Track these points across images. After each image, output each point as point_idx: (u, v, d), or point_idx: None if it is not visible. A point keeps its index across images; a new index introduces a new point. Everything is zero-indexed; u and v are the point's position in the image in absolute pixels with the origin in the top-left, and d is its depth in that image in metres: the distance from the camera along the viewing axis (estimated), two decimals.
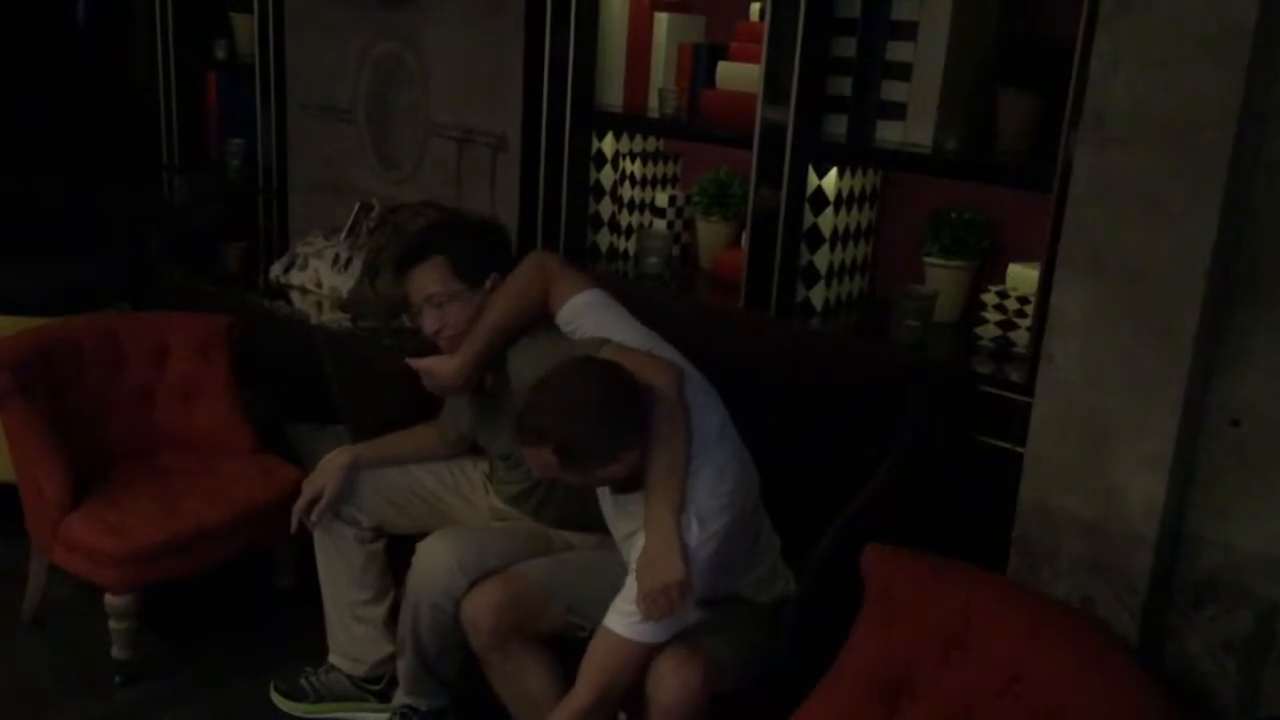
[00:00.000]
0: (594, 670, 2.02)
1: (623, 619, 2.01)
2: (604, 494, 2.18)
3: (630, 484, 2.08)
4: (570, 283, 2.29)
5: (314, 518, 2.48)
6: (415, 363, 2.37)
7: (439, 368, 2.35)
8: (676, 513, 2.00)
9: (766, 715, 2.04)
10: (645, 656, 2.02)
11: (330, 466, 2.49)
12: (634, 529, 2.07)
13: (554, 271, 2.31)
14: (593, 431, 1.97)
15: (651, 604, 1.96)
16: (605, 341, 2.15)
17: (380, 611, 2.56)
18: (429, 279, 2.33)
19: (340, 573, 2.55)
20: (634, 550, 2.04)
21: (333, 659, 2.62)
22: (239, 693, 2.70)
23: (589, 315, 2.24)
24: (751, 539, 2.18)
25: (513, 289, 2.32)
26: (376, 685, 2.60)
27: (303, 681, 2.63)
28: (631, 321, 2.25)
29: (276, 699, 2.65)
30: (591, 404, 1.96)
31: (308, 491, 2.50)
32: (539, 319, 2.31)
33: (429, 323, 2.35)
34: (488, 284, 2.35)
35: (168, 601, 2.88)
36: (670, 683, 2.00)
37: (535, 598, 2.20)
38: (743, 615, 2.19)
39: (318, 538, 2.55)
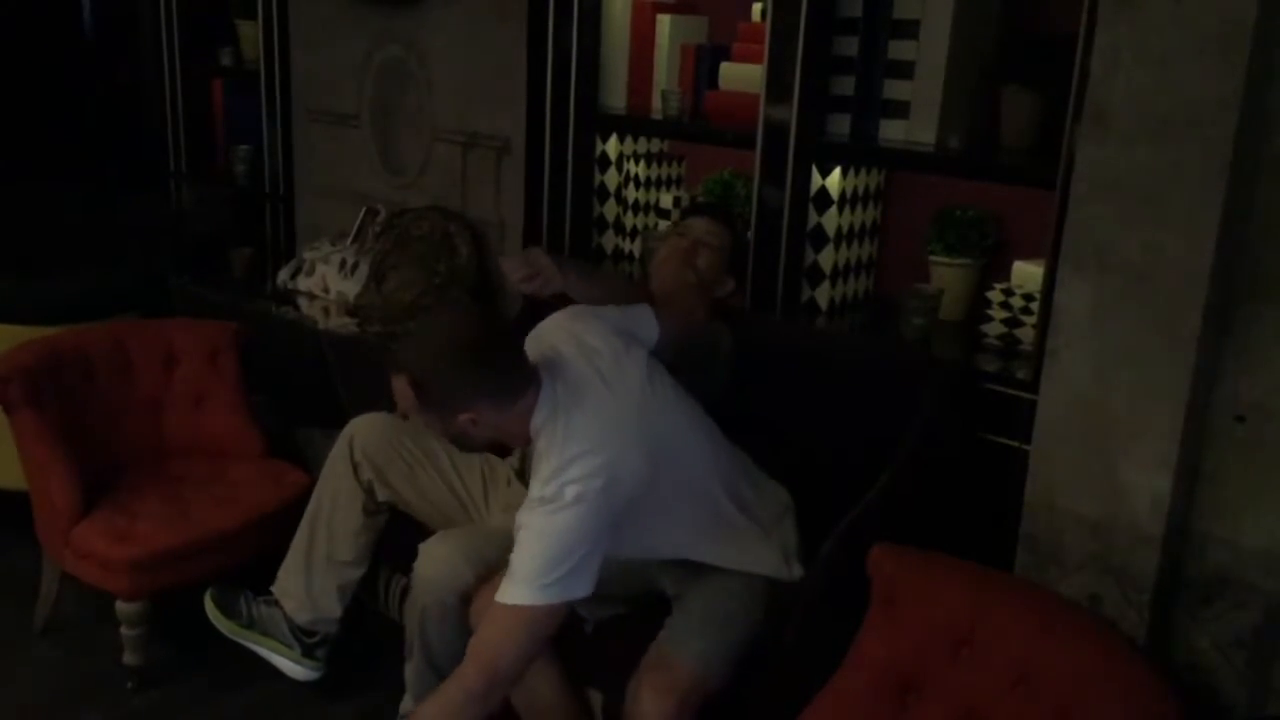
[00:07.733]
0: (479, 644, 1.96)
1: (503, 589, 1.94)
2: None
3: (506, 448, 2.06)
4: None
5: (525, 285, 2.35)
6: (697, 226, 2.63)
7: (680, 256, 2.58)
8: None
9: (771, 714, 2.04)
10: (532, 624, 1.94)
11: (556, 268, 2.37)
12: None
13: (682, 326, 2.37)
14: (444, 374, 1.95)
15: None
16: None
17: (352, 576, 2.58)
18: (721, 235, 2.63)
19: (333, 524, 2.57)
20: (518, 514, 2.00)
21: (278, 594, 2.61)
22: (250, 698, 2.70)
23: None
24: (713, 510, 2.16)
25: (684, 309, 2.45)
26: (310, 639, 2.60)
27: (241, 602, 2.63)
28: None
29: (209, 605, 2.64)
30: (453, 347, 1.95)
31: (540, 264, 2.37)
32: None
33: (691, 247, 2.60)
34: (729, 284, 2.64)
35: (179, 607, 2.89)
36: (647, 708, 2.00)
37: None
38: (734, 594, 2.16)
39: (326, 480, 2.57)
